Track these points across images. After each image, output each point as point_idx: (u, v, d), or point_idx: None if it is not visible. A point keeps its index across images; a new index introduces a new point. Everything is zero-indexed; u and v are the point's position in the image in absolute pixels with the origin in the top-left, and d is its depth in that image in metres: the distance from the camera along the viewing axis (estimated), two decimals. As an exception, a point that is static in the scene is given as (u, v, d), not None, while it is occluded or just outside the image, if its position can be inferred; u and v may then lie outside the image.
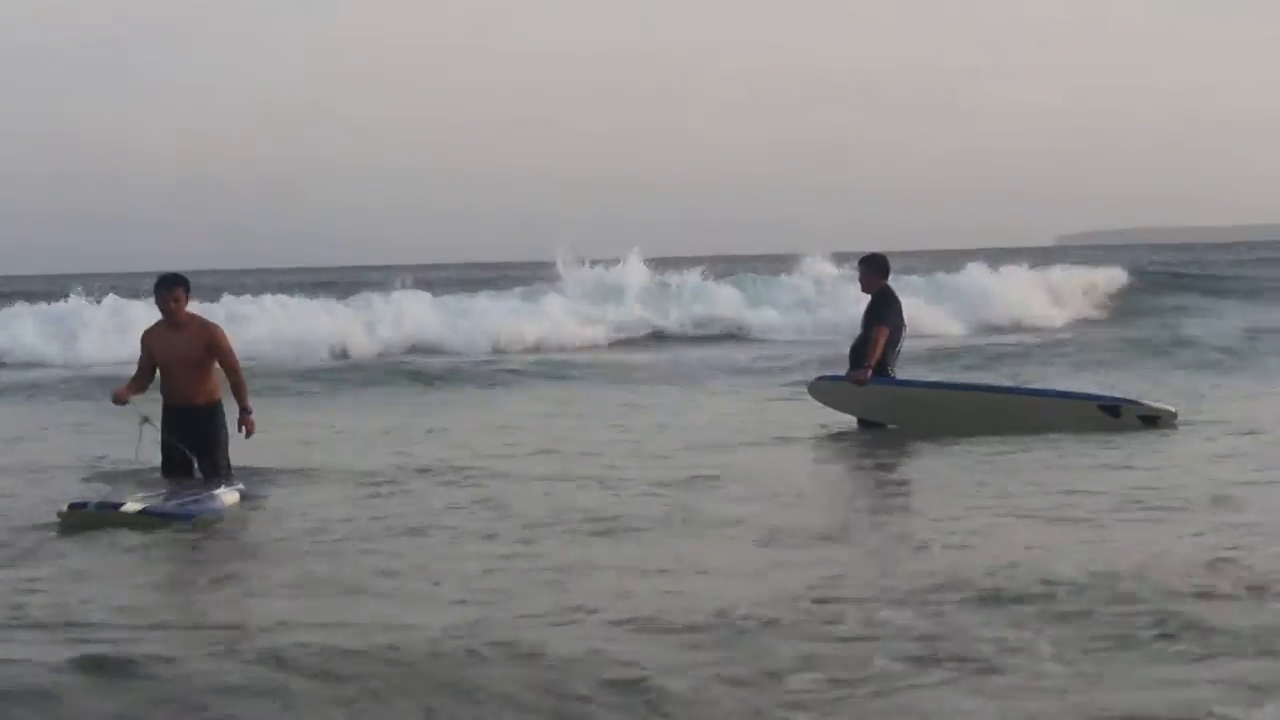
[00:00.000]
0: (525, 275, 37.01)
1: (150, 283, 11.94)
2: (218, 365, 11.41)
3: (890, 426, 14.52)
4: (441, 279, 42.75)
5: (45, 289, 35.06)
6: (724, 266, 38.41)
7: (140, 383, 11.51)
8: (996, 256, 38.79)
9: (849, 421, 14.70)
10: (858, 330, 14.75)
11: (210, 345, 11.33)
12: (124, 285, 34.22)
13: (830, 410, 14.86)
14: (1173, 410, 14.42)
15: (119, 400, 11.32)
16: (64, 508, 9.56)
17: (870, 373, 14.32)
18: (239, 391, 11.43)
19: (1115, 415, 14.21)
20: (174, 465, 11.35)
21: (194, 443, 11.30)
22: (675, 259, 37.83)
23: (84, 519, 9.37)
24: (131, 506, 9.59)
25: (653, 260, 34.54)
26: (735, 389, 20.13)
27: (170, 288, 11.33)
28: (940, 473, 11.91)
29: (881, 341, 14.31)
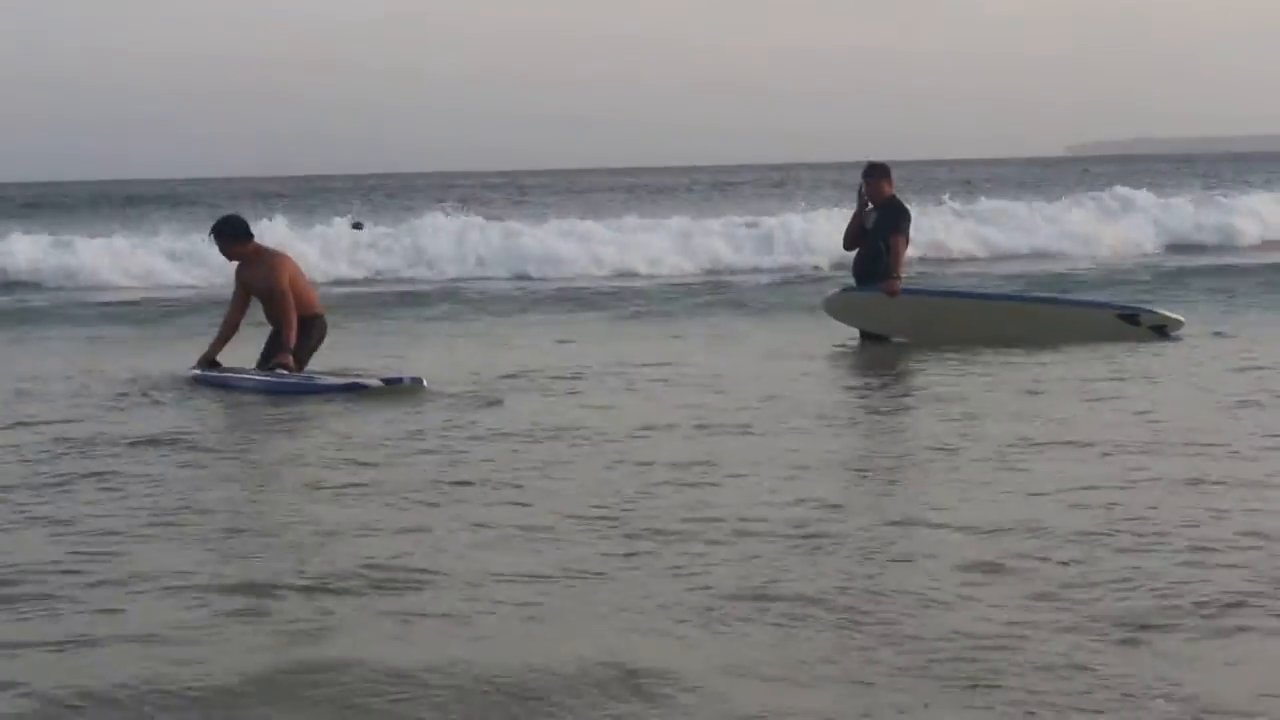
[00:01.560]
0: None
1: None
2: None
3: (895, 340, 14.39)
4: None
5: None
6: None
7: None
8: (1017, 168, 38.45)
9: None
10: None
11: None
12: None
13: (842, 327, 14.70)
14: (1180, 319, 14.55)
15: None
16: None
17: (900, 283, 14.32)
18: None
19: (1134, 323, 14.38)
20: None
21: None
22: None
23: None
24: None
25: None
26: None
27: (217, 241, 12.52)
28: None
29: (903, 250, 14.29)
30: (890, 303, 14.29)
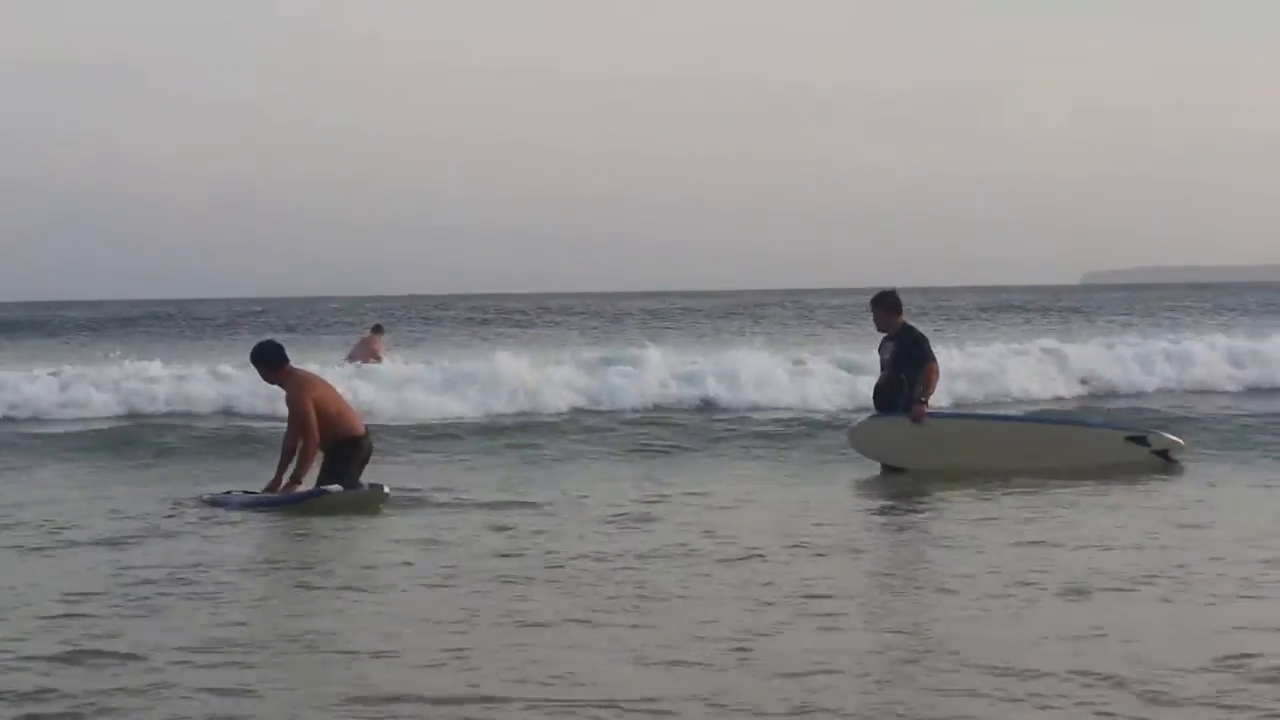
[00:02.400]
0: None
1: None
2: (327, 411, 12.45)
3: (911, 469, 14.53)
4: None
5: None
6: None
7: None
8: (1032, 295, 38.05)
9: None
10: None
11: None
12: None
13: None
14: (1181, 443, 15.24)
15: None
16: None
17: (926, 408, 14.44)
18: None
19: (1143, 444, 15.08)
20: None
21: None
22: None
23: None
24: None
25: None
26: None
27: (257, 369, 12.72)
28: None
29: (935, 377, 14.47)
30: (911, 430, 14.39)
